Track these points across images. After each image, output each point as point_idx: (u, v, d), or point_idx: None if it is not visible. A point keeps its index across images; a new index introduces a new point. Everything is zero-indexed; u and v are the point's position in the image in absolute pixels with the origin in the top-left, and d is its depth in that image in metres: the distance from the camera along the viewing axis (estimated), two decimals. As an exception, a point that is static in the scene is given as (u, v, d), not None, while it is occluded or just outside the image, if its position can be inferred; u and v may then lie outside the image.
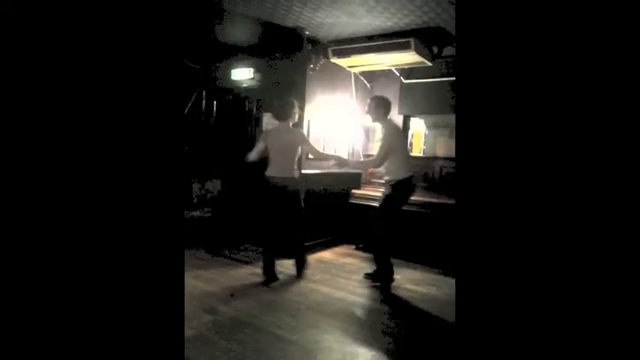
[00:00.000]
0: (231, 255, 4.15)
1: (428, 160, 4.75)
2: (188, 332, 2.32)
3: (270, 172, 3.43)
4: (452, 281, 3.51)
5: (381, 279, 3.50)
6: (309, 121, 4.30)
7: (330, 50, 4.25)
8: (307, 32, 4.08)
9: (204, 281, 3.33)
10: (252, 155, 3.54)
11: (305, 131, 4.19)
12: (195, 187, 4.36)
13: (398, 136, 3.52)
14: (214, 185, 4.58)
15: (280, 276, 3.56)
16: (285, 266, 3.78)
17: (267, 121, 4.43)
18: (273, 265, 3.50)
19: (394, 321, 2.78)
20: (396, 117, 5.02)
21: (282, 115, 3.46)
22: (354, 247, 4.79)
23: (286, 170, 3.41)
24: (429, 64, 4.21)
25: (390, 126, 3.50)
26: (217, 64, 4.96)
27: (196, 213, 4.19)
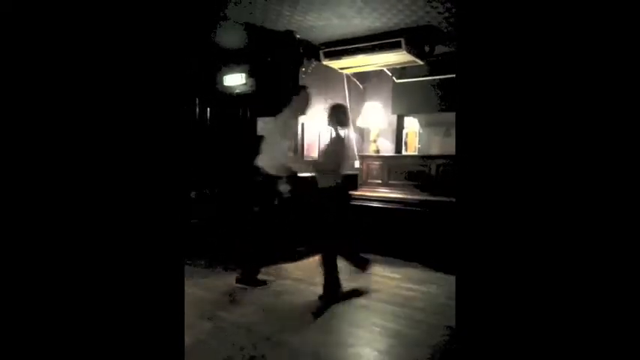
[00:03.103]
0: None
1: (423, 158, 4.75)
2: (188, 339, 2.29)
3: None
4: (452, 279, 3.49)
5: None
6: (302, 123, 4.30)
7: (321, 52, 4.26)
8: (298, 35, 4.09)
9: (203, 288, 3.31)
10: None
11: (299, 134, 4.19)
12: (191, 194, 4.34)
13: None
14: (210, 192, 4.57)
15: (273, 278, 3.57)
16: (288, 270, 3.76)
17: (262, 126, 4.42)
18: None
19: (395, 321, 2.77)
20: (390, 117, 5.04)
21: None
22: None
23: None
24: (421, 62, 4.22)
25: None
26: (210, 70, 4.95)
27: (193, 220, 4.17)
